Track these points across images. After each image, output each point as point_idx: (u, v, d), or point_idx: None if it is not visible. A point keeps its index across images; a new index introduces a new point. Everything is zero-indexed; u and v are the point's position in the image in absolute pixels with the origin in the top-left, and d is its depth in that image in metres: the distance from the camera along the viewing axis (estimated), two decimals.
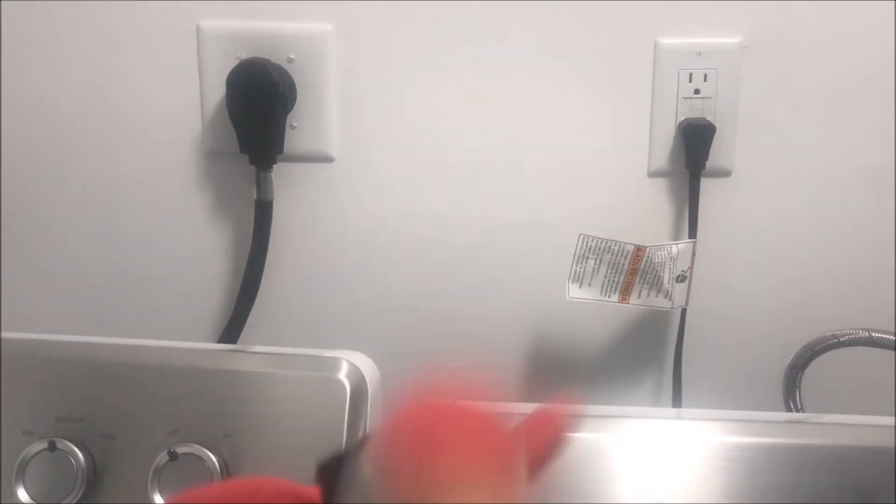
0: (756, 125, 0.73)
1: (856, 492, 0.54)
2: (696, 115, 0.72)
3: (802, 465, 0.55)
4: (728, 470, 0.55)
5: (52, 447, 0.55)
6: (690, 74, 0.71)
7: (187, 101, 0.74)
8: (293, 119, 0.73)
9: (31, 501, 0.55)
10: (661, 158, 0.73)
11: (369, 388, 0.58)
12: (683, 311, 0.74)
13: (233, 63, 0.71)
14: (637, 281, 0.69)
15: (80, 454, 0.55)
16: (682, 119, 0.72)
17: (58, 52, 0.74)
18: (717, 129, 0.71)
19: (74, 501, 0.55)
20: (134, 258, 0.77)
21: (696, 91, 0.72)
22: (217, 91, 0.73)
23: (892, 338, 0.66)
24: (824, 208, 0.74)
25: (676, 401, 0.75)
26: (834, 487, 0.55)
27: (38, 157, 0.76)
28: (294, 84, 0.72)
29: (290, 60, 0.72)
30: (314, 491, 0.37)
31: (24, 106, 0.75)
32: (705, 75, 0.71)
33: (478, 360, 0.76)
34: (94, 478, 0.56)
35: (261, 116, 0.71)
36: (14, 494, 0.55)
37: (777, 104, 0.72)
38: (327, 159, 0.75)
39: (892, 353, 0.66)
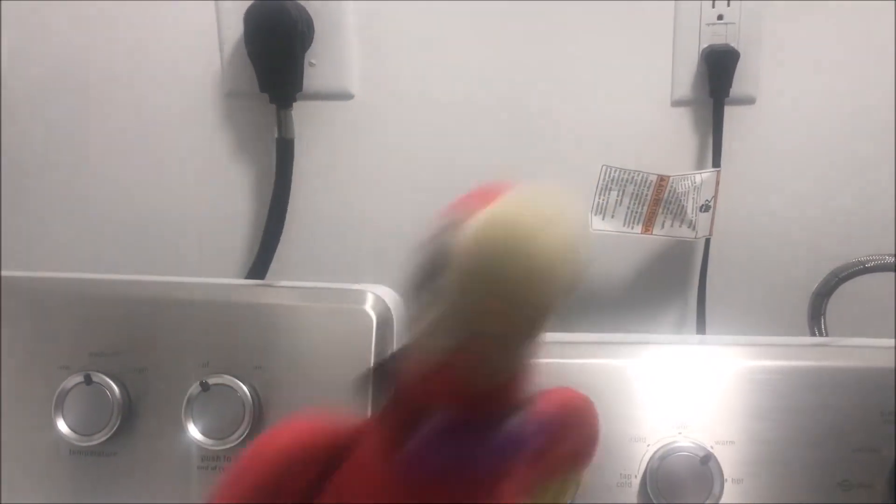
0: (781, 51, 0.71)
1: (881, 412, 0.55)
2: (720, 41, 0.71)
3: (828, 387, 0.55)
4: (753, 393, 0.56)
5: (88, 380, 0.57)
6: None
7: (206, 41, 0.74)
8: (311, 56, 0.73)
9: (71, 432, 0.57)
10: (685, 87, 0.72)
11: (394, 319, 0.59)
12: (707, 241, 0.73)
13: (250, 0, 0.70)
14: (660, 211, 0.69)
15: (115, 387, 0.57)
16: (706, 46, 0.71)
17: None
18: (741, 56, 0.70)
19: (112, 431, 0.57)
20: (159, 199, 0.78)
21: (720, 17, 0.70)
22: (235, 29, 0.72)
23: None
24: (851, 134, 0.73)
25: (700, 330, 0.75)
26: (859, 409, 0.55)
27: (58, 100, 0.76)
28: (311, 20, 0.72)
29: None
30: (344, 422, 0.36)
31: (42, 48, 0.75)
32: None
33: None
34: (129, 409, 0.57)
35: (279, 54, 0.70)
36: (54, 426, 0.57)
37: (802, 28, 0.71)
38: (347, 96, 0.74)
39: None
